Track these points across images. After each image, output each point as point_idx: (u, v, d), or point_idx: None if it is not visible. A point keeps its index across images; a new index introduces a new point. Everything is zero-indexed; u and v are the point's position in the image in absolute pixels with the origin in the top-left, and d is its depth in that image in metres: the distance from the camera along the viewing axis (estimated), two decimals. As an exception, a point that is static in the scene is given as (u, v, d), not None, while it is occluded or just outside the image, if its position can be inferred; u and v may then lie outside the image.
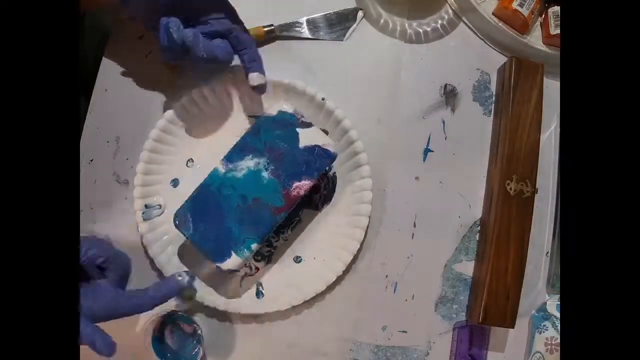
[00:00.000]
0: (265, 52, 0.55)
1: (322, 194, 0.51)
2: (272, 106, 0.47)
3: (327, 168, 0.49)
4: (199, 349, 0.47)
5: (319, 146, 0.46)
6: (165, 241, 0.49)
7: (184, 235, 0.45)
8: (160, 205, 0.50)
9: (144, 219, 0.49)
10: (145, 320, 0.47)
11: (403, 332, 0.51)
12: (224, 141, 0.50)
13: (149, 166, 0.50)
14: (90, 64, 0.54)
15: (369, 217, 0.49)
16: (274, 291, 0.49)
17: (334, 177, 0.52)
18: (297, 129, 0.46)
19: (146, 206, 0.49)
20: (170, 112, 0.50)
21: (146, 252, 0.49)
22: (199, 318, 0.49)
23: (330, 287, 0.50)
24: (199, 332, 0.47)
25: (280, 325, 0.50)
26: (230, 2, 0.46)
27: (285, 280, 0.49)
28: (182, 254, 0.49)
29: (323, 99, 0.50)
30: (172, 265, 0.49)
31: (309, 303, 0.50)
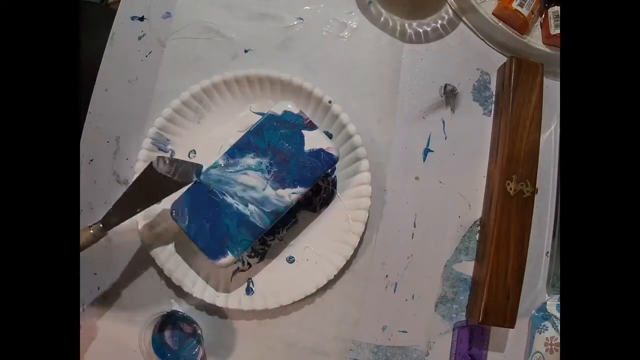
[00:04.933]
0: (267, 51, 0.55)
1: (321, 197, 0.51)
2: (277, 105, 0.47)
3: (328, 171, 0.49)
4: (199, 349, 0.48)
5: (323, 150, 0.46)
6: (161, 229, 0.49)
7: (180, 227, 0.45)
8: None
9: None
10: (145, 320, 0.47)
11: (403, 332, 0.51)
12: (227, 136, 0.51)
13: (151, 154, 0.50)
14: (90, 64, 0.54)
15: (369, 212, 0.49)
16: (264, 289, 0.49)
17: (335, 180, 0.52)
18: (302, 131, 0.46)
19: None
20: (176, 102, 0.50)
21: (142, 242, 0.49)
22: (199, 318, 0.49)
23: (330, 287, 0.50)
24: (199, 332, 0.48)
25: (280, 326, 0.50)
26: None
27: (277, 280, 0.49)
28: (176, 244, 0.49)
29: (330, 102, 0.50)
30: (166, 254, 0.49)
31: (308, 303, 0.50)
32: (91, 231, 0.42)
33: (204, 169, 0.46)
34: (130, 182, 0.45)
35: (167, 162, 0.42)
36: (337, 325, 0.50)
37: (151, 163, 0.41)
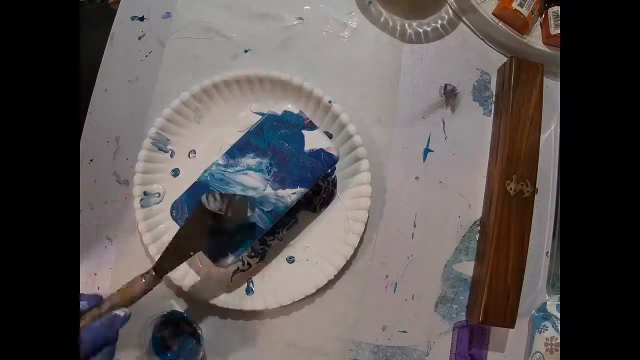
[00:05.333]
0: (267, 51, 0.55)
1: (321, 197, 0.51)
2: (277, 105, 0.47)
3: (328, 171, 0.49)
4: (199, 349, 0.47)
5: (323, 150, 0.46)
6: (161, 230, 0.49)
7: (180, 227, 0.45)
8: (159, 193, 0.50)
9: (142, 206, 0.49)
10: (145, 320, 0.47)
11: (403, 332, 0.51)
12: (227, 136, 0.50)
13: (151, 154, 0.50)
14: (90, 64, 0.54)
15: (368, 212, 0.49)
16: (265, 289, 0.49)
17: (335, 180, 0.52)
18: (302, 131, 0.46)
19: (145, 193, 0.50)
20: (176, 102, 0.51)
21: (142, 242, 0.49)
22: (199, 318, 0.49)
23: (330, 287, 0.50)
24: (199, 332, 0.47)
25: (280, 325, 0.50)
26: None
27: (277, 280, 0.49)
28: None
29: (330, 102, 0.50)
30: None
31: (308, 303, 0.50)
32: (143, 280, 0.39)
33: (204, 169, 0.46)
34: (182, 224, 0.42)
35: (218, 198, 0.39)
36: (337, 325, 0.50)
37: (200, 200, 0.39)
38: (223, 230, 0.42)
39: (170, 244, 0.40)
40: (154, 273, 0.39)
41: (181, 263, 0.40)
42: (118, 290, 0.38)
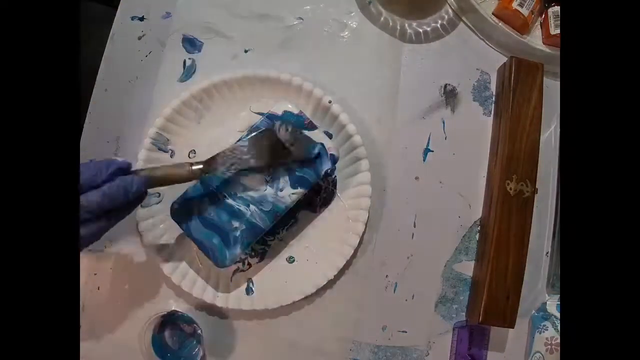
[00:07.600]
0: (267, 51, 0.55)
1: (321, 197, 0.51)
2: (277, 105, 0.47)
3: (329, 171, 0.49)
4: (199, 349, 0.48)
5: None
6: (161, 230, 0.49)
7: (180, 228, 0.45)
8: (159, 193, 0.50)
9: (142, 206, 0.49)
10: (145, 320, 0.47)
11: (403, 332, 0.51)
12: (227, 136, 0.50)
13: (151, 154, 0.50)
14: (90, 64, 0.54)
15: (369, 212, 0.49)
16: (264, 289, 0.49)
17: (335, 180, 0.52)
18: (302, 131, 0.46)
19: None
20: (176, 102, 0.50)
21: (142, 242, 0.49)
22: (199, 318, 0.49)
23: (330, 287, 0.50)
24: (199, 332, 0.48)
25: (280, 325, 0.50)
26: None
27: (277, 280, 0.49)
28: (176, 244, 0.49)
29: (330, 102, 0.50)
30: (166, 254, 0.49)
31: (308, 303, 0.50)
32: (192, 168, 0.38)
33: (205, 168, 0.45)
34: (246, 136, 0.43)
35: (290, 129, 0.42)
36: (337, 325, 0.50)
37: (274, 124, 0.42)
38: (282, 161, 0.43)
39: (228, 149, 0.41)
40: (201, 167, 0.39)
41: (228, 172, 0.41)
42: (159, 167, 0.37)
